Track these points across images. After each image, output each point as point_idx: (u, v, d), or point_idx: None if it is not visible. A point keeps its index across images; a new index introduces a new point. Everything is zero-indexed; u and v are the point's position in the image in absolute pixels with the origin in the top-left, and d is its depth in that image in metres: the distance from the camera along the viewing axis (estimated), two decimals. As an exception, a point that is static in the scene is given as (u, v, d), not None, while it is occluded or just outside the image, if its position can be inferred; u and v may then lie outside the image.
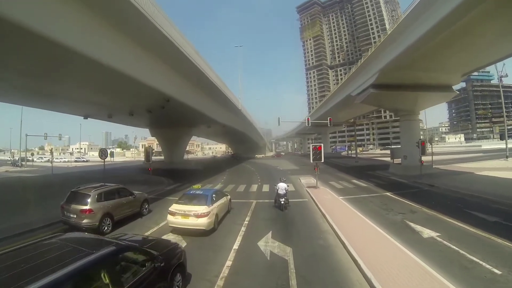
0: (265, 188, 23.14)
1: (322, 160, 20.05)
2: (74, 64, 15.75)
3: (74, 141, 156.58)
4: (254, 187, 23.59)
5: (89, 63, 15.10)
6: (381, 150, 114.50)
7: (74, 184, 14.22)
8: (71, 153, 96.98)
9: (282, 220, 13.28)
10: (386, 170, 32.10)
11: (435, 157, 34.34)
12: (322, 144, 19.95)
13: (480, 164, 34.89)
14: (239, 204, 16.84)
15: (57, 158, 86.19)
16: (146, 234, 11.65)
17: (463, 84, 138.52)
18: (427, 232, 11.24)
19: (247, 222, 12.96)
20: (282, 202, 14.80)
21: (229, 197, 15.09)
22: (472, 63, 24.86)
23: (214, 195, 12.63)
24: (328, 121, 36.91)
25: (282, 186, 15.09)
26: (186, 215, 11.05)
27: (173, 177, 32.09)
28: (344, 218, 12.90)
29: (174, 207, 11.56)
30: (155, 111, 31.95)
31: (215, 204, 12.15)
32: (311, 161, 20.17)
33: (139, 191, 21.93)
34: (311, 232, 11.52)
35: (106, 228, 12.03)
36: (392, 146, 51.48)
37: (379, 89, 27.14)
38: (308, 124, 37.06)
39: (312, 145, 19.91)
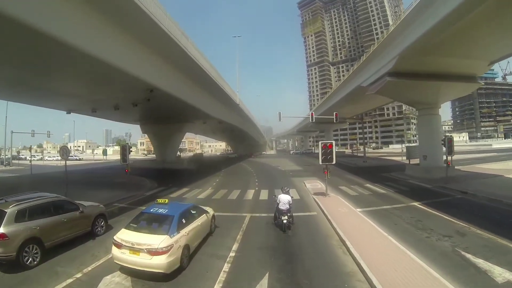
0: (263, 195, 19.21)
1: (334, 162, 16.09)
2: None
3: (76, 138, 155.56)
4: (250, 194, 19.62)
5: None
6: (373, 149, 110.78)
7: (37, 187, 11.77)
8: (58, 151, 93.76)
9: (285, 250, 9.31)
10: (402, 172, 28.12)
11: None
12: (333, 142, 15.96)
13: (503, 165, 31.17)
14: (227, 219, 12.95)
15: (49, 157, 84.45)
16: (85, 271, 7.90)
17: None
18: (498, 272, 7.50)
19: (233, 254, 8.98)
20: (285, 222, 10.82)
21: (211, 213, 11.10)
22: (506, 47, 20.89)
23: (184, 216, 8.69)
24: (334, 116, 33.32)
25: (284, 199, 11.11)
26: (136, 249, 7.16)
27: (159, 178, 28.39)
28: (372, 246, 8.99)
29: (122, 235, 7.69)
30: (140, 104, 28.31)
31: (184, 231, 8.20)
32: (320, 162, 16.17)
33: (110, 196, 18.55)
34: (329, 275, 7.56)
35: (30, 259, 8.29)
36: (407, 145, 47.53)
37: (396, 78, 23.21)
38: (312, 119, 33.49)
39: (322, 143, 15.90)
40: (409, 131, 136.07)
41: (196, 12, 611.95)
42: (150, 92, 23.12)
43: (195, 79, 28.22)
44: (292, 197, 11.54)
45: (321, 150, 15.76)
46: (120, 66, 16.82)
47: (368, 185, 22.17)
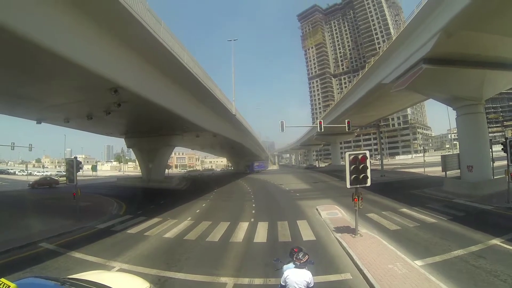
0: (261, 232, 13.15)
1: (369, 184, 10.28)
2: None
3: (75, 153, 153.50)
4: (242, 230, 13.54)
5: None
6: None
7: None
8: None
9: None
10: (438, 188, 22.14)
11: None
12: (367, 152, 10.15)
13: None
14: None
15: (38, 172, 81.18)
16: None
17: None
18: None
19: None
20: None
21: None
22: None
23: None
24: (346, 125, 28.19)
25: (299, 281, 4.93)
26: None
27: (132, 202, 23.13)
28: None
29: None
30: (114, 111, 23.33)
31: None
32: (348, 185, 10.18)
33: (47, 229, 13.75)
34: None
35: None
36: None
37: (435, 64, 17.73)
38: (321, 128, 28.14)
39: (350, 154, 9.90)
40: (416, 141, 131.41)
41: (195, 29, 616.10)
42: (115, 93, 17.89)
43: (177, 80, 22.95)
44: (312, 261, 5.48)
45: (349, 166, 9.85)
46: (66, 53, 11.97)
47: (404, 209, 16.16)
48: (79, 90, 18.61)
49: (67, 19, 11.81)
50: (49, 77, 15.65)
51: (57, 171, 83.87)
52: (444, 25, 14.95)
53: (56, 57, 11.70)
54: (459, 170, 22.43)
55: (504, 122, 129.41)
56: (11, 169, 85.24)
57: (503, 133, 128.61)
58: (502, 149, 16.23)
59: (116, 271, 8.58)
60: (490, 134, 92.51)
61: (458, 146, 29.40)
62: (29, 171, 73.33)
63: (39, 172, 78.77)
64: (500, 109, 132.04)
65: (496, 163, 21.94)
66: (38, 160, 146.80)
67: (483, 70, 18.64)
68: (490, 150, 21.13)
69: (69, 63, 12.41)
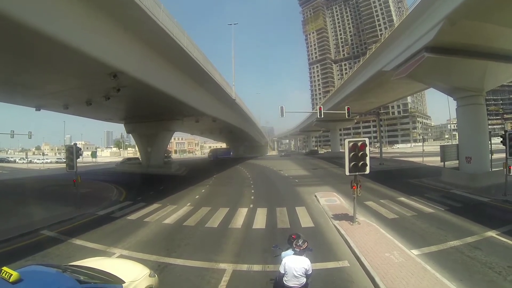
0: (260, 217, 13.35)
1: (367, 171, 10.38)
2: None
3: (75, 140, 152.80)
4: (241, 216, 13.73)
5: None
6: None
7: None
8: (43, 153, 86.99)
9: None
10: (436, 178, 22.29)
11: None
12: (366, 139, 10.19)
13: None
14: (189, 279, 7.36)
15: (38, 159, 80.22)
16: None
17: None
18: None
19: None
20: None
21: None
22: None
23: None
24: (346, 111, 28.09)
25: (297, 267, 5.00)
26: None
27: (132, 188, 23.24)
28: None
29: None
30: (112, 96, 23.13)
31: None
32: (347, 172, 10.29)
33: (47, 217, 13.86)
34: None
35: None
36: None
37: (437, 53, 17.52)
38: (320, 114, 27.94)
39: (349, 141, 9.95)
40: (415, 130, 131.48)
41: (194, 11, 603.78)
42: (114, 77, 17.67)
43: (177, 64, 22.71)
44: (310, 248, 5.57)
45: (349, 153, 9.93)
46: (62, 37, 11.69)
47: (402, 198, 16.34)
48: (77, 76, 18.38)
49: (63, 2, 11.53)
50: (46, 63, 15.39)
51: (57, 158, 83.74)
52: (448, 13, 14.63)
53: (51, 41, 11.41)
54: (457, 161, 22.47)
55: (504, 115, 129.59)
56: (11, 157, 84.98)
57: (503, 126, 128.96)
58: (501, 141, 16.25)
59: (116, 257, 8.73)
60: (489, 127, 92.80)
61: (457, 137, 29.40)
62: (29, 159, 73.09)
63: (39, 159, 78.36)
64: (501, 102, 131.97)
65: (495, 156, 21.93)
66: (38, 148, 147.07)
67: (485, 61, 18.35)
68: (489, 142, 21.10)
69: (66, 48, 12.17)
